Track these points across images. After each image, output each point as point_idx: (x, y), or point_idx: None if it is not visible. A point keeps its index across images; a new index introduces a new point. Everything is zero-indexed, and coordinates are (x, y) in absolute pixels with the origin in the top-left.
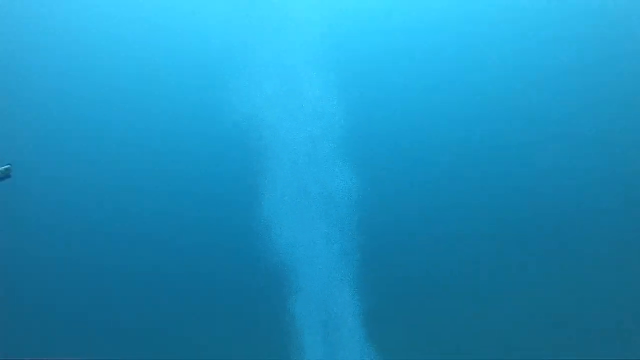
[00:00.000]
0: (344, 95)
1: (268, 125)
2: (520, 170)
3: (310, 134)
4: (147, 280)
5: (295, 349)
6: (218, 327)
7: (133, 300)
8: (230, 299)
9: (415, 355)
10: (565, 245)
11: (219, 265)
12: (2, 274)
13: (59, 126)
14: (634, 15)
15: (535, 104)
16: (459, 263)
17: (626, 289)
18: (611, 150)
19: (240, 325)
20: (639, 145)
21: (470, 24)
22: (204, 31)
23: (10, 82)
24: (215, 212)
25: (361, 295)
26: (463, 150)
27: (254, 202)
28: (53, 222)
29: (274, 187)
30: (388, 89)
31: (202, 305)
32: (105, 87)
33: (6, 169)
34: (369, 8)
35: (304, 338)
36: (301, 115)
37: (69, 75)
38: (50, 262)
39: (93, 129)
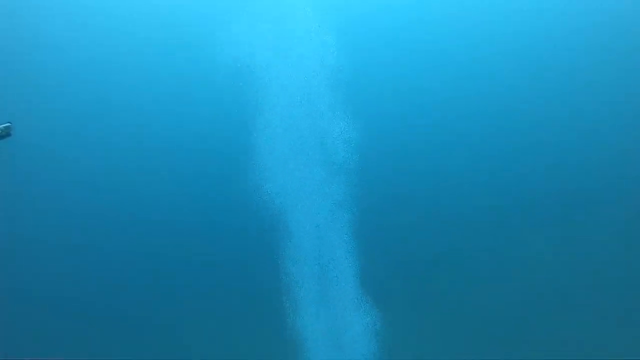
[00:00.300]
0: (343, 38)
1: (261, 68)
2: (527, 127)
3: (306, 77)
4: (137, 230)
5: (288, 300)
6: (206, 279)
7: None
8: (220, 246)
9: (413, 307)
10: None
11: (208, 210)
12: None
13: (50, 74)
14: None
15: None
16: (459, 213)
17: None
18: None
19: (230, 276)
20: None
21: None
22: None
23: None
24: (206, 155)
25: (357, 245)
26: (467, 92)
27: (247, 147)
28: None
29: (268, 131)
30: (389, 32)
31: (188, 254)
32: (94, 34)
33: (6, 127)
34: None
35: (297, 290)
36: (297, 58)
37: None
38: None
39: (84, 80)
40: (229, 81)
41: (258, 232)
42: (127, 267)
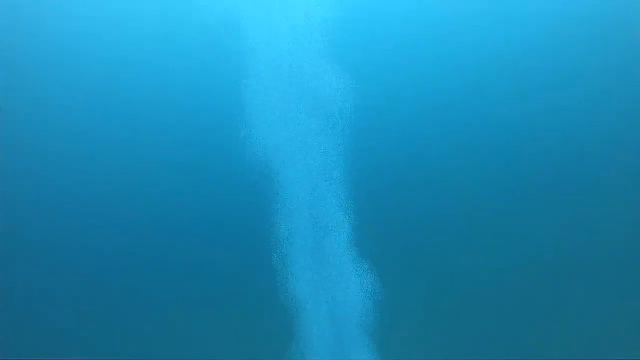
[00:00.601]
0: None
1: (247, 16)
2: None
3: (295, 24)
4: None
5: (278, 258)
6: (190, 237)
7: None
8: (205, 201)
9: (409, 266)
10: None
11: (193, 165)
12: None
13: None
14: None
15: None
16: (461, 167)
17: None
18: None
19: (216, 232)
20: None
21: None
22: None
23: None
24: (192, 108)
25: (352, 200)
26: (464, 40)
27: (234, 98)
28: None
29: (256, 80)
30: None
31: (171, 213)
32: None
33: None
34: None
35: (288, 248)
36: (284, 4)
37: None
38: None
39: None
40: (214, 32)
41: (246, 186)
42: (111, 229)
